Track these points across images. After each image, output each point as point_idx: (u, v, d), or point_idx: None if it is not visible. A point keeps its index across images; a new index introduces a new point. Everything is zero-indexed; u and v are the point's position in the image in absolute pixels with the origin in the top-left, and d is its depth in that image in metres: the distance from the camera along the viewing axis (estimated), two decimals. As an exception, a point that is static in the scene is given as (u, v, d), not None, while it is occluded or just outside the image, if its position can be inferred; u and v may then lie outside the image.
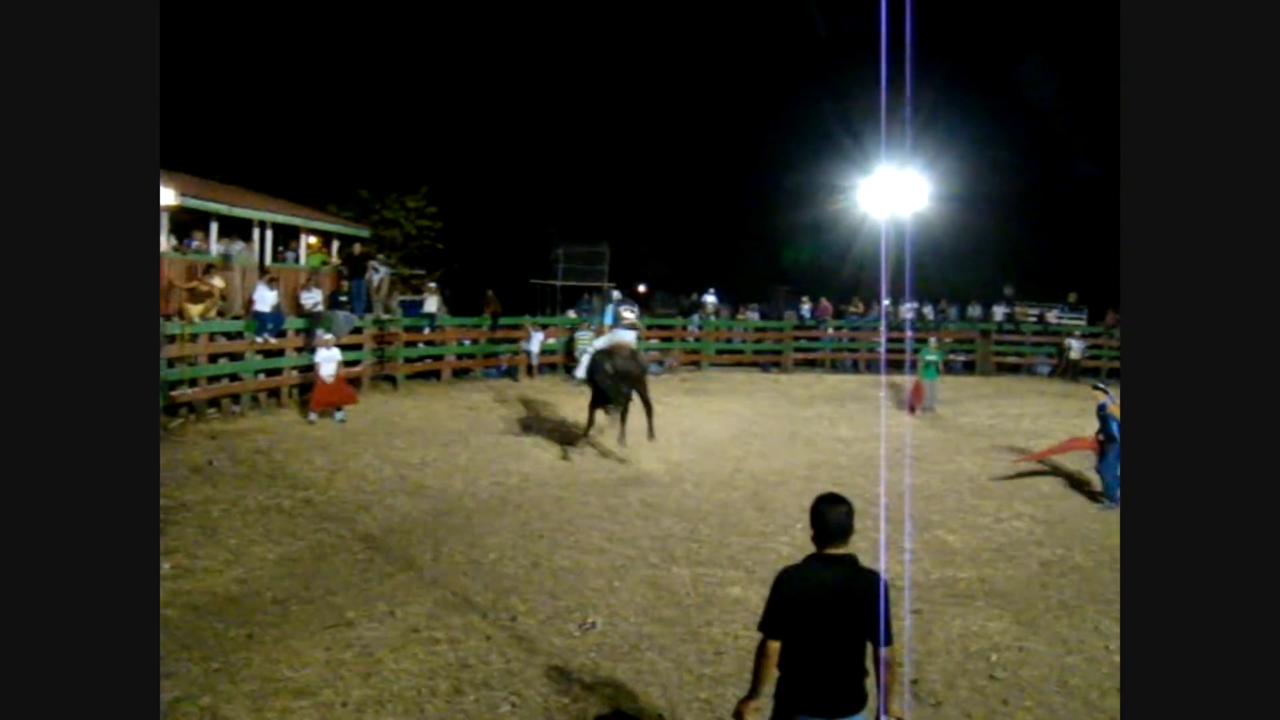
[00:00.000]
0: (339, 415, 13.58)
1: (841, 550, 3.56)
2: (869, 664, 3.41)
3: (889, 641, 3.39)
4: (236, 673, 5.29)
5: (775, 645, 3.47)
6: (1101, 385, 10.55)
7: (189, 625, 5.97)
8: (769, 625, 3.48)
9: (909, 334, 18.64)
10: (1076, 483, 10.76)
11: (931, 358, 16.16)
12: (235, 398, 14.15)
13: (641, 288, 32.18)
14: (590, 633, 6.09)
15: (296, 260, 17.75)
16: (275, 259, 17.02)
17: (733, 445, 13.01)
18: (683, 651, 5.81)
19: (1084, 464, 11.05)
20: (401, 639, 5.87)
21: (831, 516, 3.59)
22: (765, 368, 23.41)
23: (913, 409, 15.95)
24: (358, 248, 18.02)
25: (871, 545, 8.15)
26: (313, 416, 13.46)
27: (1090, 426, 10.59)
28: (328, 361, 13.89)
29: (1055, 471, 11.13)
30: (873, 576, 3.50)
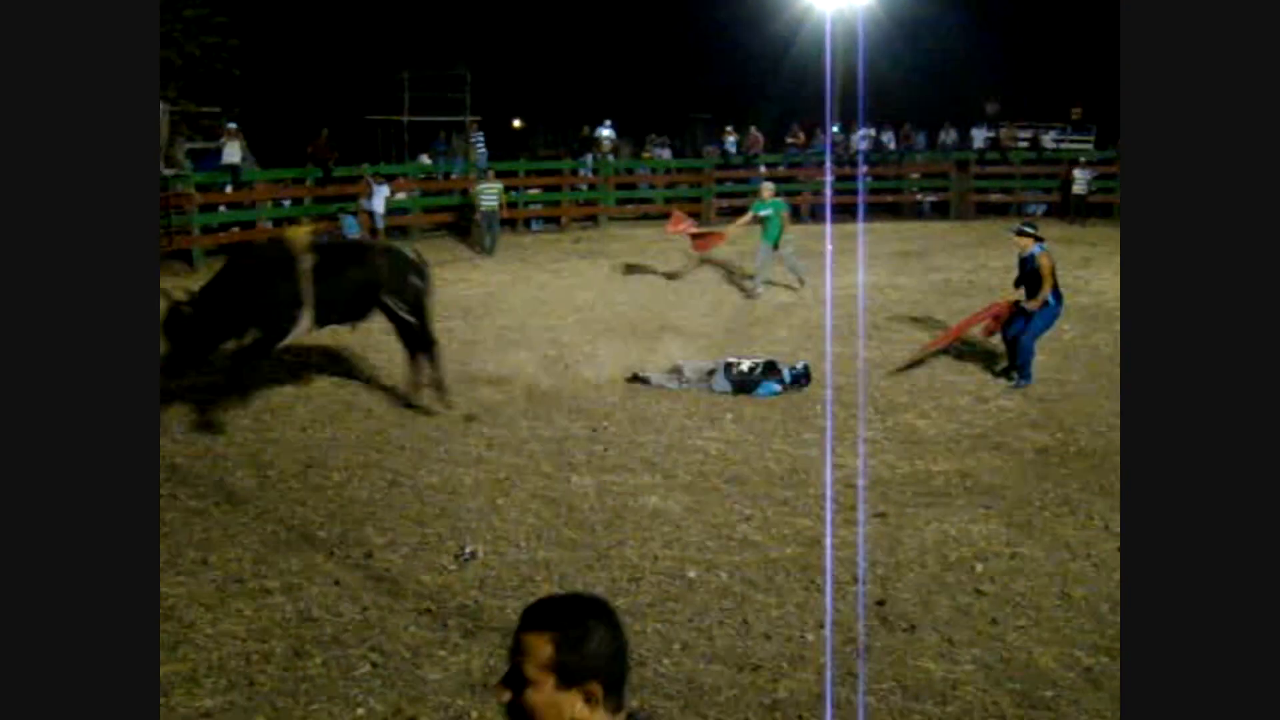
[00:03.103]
0: None
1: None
2: None
3: None
4: (-6, 651, 5.12)
5: None
6: (1030, 228, 10.20)
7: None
8: None
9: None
10: (1080, 348, 11.17)
11: (766, 211, 14.60)
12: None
13: (516, 123, 31.49)
14: (470, 565, 6.10)
15: (35, 97, 16.67)
16: None
17: (643, 320, 13.04)
18: (589, 580, 5.87)
19: (1089, 324, 11.46)
20: (219, 593, 5.78)
21: (617, 643, 2.03)
22: (682, 220, 23.39)
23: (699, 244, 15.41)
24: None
25: (823, 436, 8.38)
26: None
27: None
28: None
29: (1054, 336, 11.49)
30: None
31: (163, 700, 4.73)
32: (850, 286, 14.78)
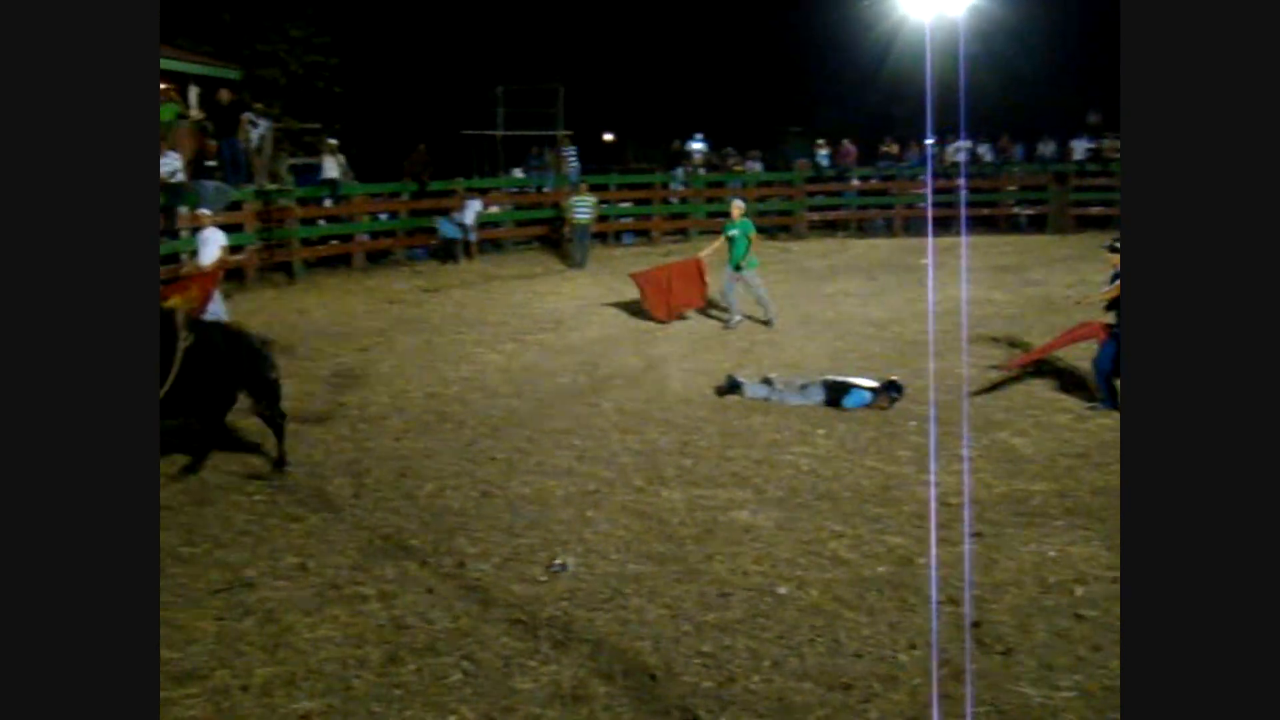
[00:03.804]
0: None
1: None
2: None
3: None
4: (102, 653, 5.29)
5: None
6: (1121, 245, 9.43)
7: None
8: None
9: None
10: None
11: (733, 232, 13.50)
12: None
13: (608, 136, 31.71)
14: (560, 576, 6.13)
15: (144, 114, 17.25)
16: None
17: (733, 334, 13.02)
18: (678, 594, 5.86)
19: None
20: (317, 599, 5.89)
21: None
22: (772, 233, 23.30)
23: (669, 312, 13.69)
24: (226, 94, 17.51)
25: (917, 453, 8.26)
26: None
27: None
28: (208, 244, 13.34)
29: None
30: None
31: (264, 701, 4.85)
32: (945, 300, 14.57)
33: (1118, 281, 9.22)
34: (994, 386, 10.15)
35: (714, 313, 14.09)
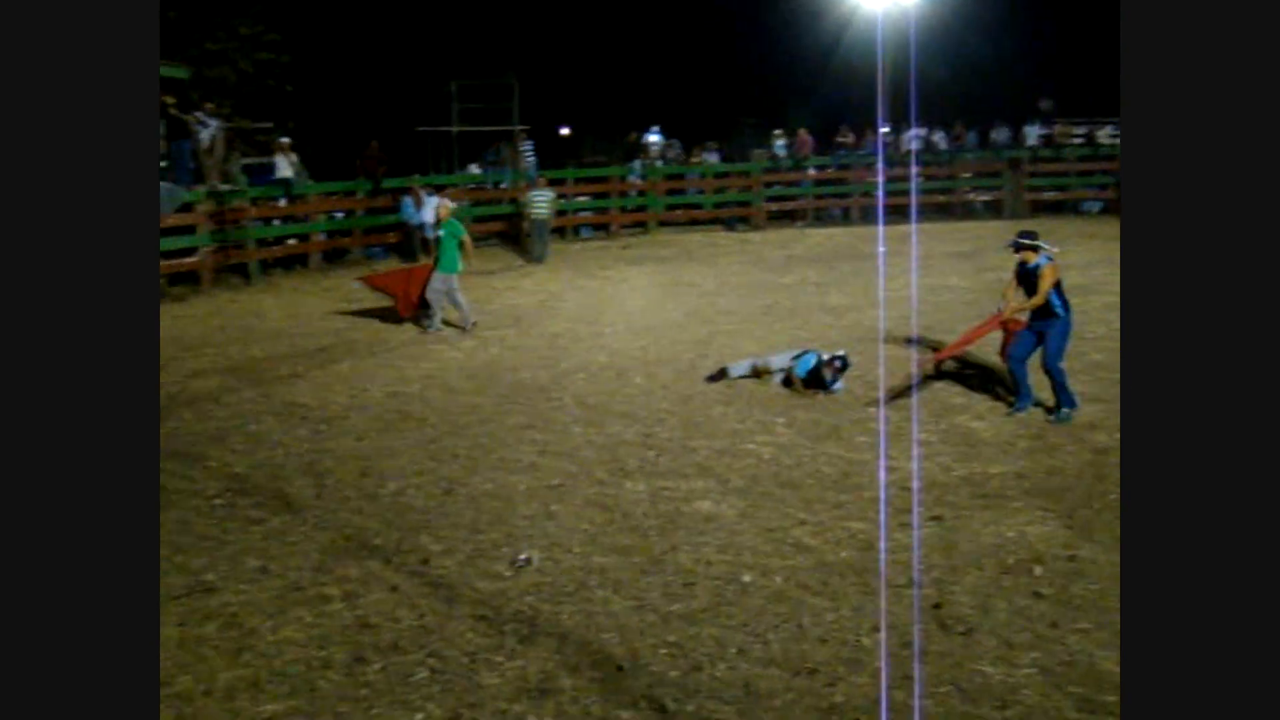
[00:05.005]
0: None
1: None
2: None
3: None
4: (63, 660, 5.24)
5: None
6: (1029, 238, 9.01)
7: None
8: None
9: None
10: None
11: (441, 233, 13.18)
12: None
13: (565, 130, 31.67)
14: (524, 571, 6.14)
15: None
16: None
17: (693, 325, 13.07)
18: (643, 586, 5.89)
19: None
20: (280, 601, 5.86)
21: None
22: (730, 224, 23.42)
23: (410, 311, 13.32)
24: (169, 97, 17.32)
25: (873, 437, 8.34)
26: None
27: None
28: None
29: (1110, 335, 11.35)
30: None
31: (228, 705, 4.83)
32: (902, 288, 14.69)
33: (1035, 276, 8.85)
34: (913, 385, 9.81)
35: (661, 312, 14.15)
